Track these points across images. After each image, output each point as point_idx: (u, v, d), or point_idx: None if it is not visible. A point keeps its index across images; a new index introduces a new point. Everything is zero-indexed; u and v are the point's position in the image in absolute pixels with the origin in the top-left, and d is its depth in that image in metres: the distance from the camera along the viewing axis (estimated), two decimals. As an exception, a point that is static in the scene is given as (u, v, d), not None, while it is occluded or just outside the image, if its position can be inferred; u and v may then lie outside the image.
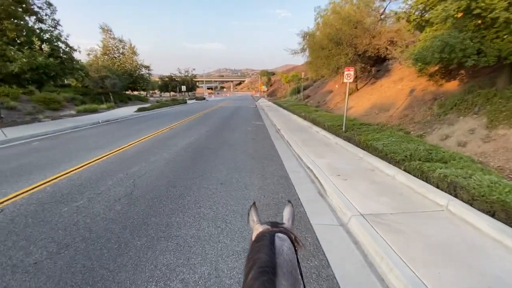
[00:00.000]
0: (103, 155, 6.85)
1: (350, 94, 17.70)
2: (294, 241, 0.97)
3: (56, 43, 12.98)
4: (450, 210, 3.51)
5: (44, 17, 13.30)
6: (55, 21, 13.61)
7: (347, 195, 4.09)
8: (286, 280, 0.78)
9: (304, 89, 32.03)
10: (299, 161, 6.55)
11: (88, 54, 35.20)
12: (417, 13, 6.98)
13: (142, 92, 54.33)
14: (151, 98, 48.55)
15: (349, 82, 7.81)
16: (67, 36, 13.89)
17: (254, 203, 1.15)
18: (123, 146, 7.91)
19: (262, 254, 0.84)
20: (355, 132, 7.63)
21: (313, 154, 6.72)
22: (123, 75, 33.18)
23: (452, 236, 2.96)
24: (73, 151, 7.44)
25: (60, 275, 2.47)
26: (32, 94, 21.28)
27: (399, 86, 12.66)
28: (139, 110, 22.28)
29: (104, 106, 23.86)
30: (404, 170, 4.73)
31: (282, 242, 0.91)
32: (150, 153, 7.08)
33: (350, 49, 13.88)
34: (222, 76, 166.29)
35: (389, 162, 5.24)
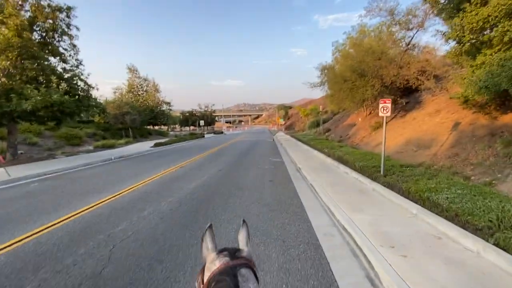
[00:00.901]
0: (95, 203, 5.84)
1: (377, 128, 16.28)
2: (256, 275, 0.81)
3: (75, 82, 13.05)
4: None
5: (68, 58, 13.66)
6: (78, 61, 13.95)
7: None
8: None
9: (323, 122, 30.94)
10: (330, 216, 5.10)
11: (114, 92, 37.18)
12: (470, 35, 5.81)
13: (163, 127, 56.09)
14: (171, 132, 49.62)
15: (386, 116, 6.54)
16: (88, 75, 14.08)
17: (210, 226, 0.97)
18: (122, 191, 6.92)
19: None
20: (398, 177, 6.15)
21: (348, 206, 5.27)
22: (145, 111, 34.21)
23: None
24: (66, 196, 6.54)
25: None
26: (56, 130, 21.94)
27: (437, 119, 11.14)
28: (156, 145, 22.04)
29: (122, 141, 23.99)
30: (496, 244, 3.18)
31: (247, 284, 0.75)
32: (147, 201, 5.97)
33: (376, 81, 12.84)
34: (241, 110, 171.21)
35: (464, 228, 3.69)
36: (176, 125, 73.06)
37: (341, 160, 10.01)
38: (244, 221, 1.02)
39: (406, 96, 15.74)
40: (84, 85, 13.67)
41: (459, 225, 3.81)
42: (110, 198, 6.25)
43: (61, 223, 4.72)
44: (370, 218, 4.59)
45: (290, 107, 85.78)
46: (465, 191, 4.50)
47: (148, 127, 39.75)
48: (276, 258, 3.48)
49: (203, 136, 36.70)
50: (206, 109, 62.99)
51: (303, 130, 40.29)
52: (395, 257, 3.30)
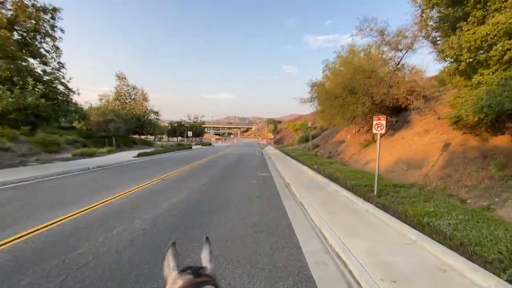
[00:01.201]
0: (58, 219, 5.12)
1: (367, 145, 16.23)
2: None
3: (54, 85, 12.31)
4: None
5: (50, 60, 12.98)
6: (60, 64, 13.29)
7: None
8: None
9: (312, 138, 30.98)
10: (322, 241, 4.63)
11: (101, 99, 36.09)
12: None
13: (149, 137, 54.65)
14: (158, 143, 48.29)
15: (380, 134, 6.29)
16: (70, 79, 13.39)
17: (173, 243, 0.95)
18: (93, 205, 6.20)
19: None
20: (393, 198, 5.82)
21: (341, 229, 4.83)
22: (131, 119, 33.21)
23: None
24: (26, 209, 5.76)
25: None
26: (33, 135, 20.65)
27: (426, 139, 11.12)
28: (139, 155, 21.06)
29: (103, 150, 22.87)
30: (509, 281, 2.80)
31: None
32: (119, 218, 5.31)
33: (366, 98, 12.84)
34: (230, 123, 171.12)
35: (470, 259, 3.31)
36: (164, 135, 71.63)
37: (331, 177, 9.66)
38: (207, 238, 1.00)
39: (395, 115, 15.89)
40: (64, 89, 12.96)
41: (465, 256, 3.43)
42: (77, 213, 5.53)
43: (10, 243, 4.01)
44: (366, 245, 4.15)
45: (280, 122, 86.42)
46: (466, 216, 4.18)
47: (133, 136, 38.53)
48: (262, 294, 2.96)
49: (191, 148, 35.82)
50: (195, 120, 62.31)
51: (292, 145, 40.25)
52: (399, 295, 2.85)
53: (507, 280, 2.77)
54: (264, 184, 9.83)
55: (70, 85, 13.38)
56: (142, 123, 37.37)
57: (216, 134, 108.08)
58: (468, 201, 5.73)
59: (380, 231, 4.78)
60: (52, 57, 13.15)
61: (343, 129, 24.08)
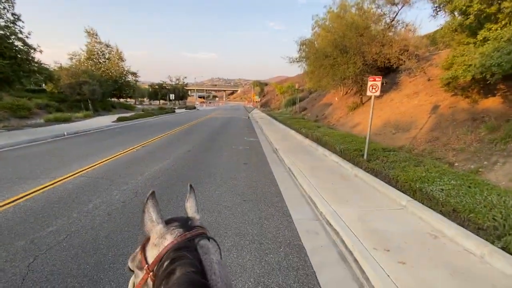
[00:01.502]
0: (26, 193, 4.66)
1: (354, 108, 16.03)
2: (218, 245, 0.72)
3: (11, 41, 10.72)
4: None
5: (2, 11, 11.09)
6: (15, 16, 11.43)
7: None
8: None
9: (300, 101, 30.45)
10: (313, 208, 4.52)
11: (71, 58, 32.86)
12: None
13: (129, 100, 51.83)
14: (139, 106, 46.06)
15: (374, 95, 5.93)
16: (29, 34, 11.66)
17: (153, 193, 0.76)
18: (67, 175, 5.72)
19: None
20: (383, 163, 5.71)
21: (331, 196, 4.72)
22: (107, 82, 30.90)
23: None
24: (-11, 183, 5.21)
25: None
26: (-1, 100, 18.77)
27: (415, 101, 10.97)
28: (119, 120, 19.97)
29: (80, 114, 21.46)
30: (504, 248, 2.77)
31: (211, 261, 0.63)
32: (95, 190, 4.92)
33: (358, 58, 12.21)
34: (215, 85, 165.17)
35: (463, 226, 3.27)
36: (145, 99, 68.25)
37: (319, 141, 9.50)
38: (191, 186, 0.90)
39: (384, 76, 15.49)
40: (23, 46, 11.36)
41: (456, 222, 3.38)
42: (49, 186, 5.07)
43: (-32, 223, 3.58)
44: (357, 212, 4.06)
45: (266, 84, 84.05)
46: (458, 181, 4.12)
47: (112, 99, 36.29)
48: (252, 269, 2.80)
49: (174, 111, 34.46)
50: (177, 82, 59.30)
51: (279, 108, 39.66)
52: (393, 264, 2.77)
53: (502, 248, 2.72)
54: (252, 149, 9.56)
55: (29, 41, 11.67)
56: (119, 85, 34.96)
57: (200, 97, 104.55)
58: (456, 164, 5.74)
59: (371, 197, 4.71)
60: (4, 7, 11.24)
61: (330, 92, 23.62)
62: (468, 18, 5.64)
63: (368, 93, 5.91)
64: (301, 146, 9.82)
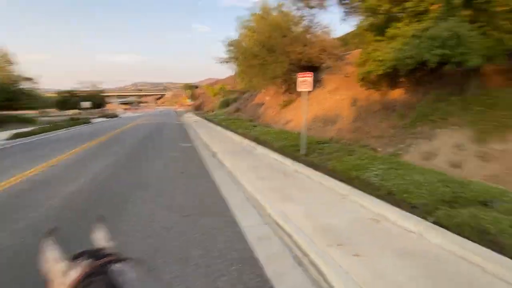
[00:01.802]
0: None
1: (285, 105, 16.77)
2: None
3: None
4: None
5: None
6: None
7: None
8: None
9: (233, 101, 30.50)
10: (260, 212, 4.25)
11: None
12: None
13: (31, 112, 42.54)
14: (44, 118, 38.18)
15: (307, 91, 6.10)
16: None
17: (54, 229, 0.71)
18: None
19: None
20: (320, 156, 5.91)
21: (276, 195, 4.57)
22: (-8, 90, 24.58)
23: None
24: None
25: None
26: None
27: (337, 96, 12.08)
28: (14, 136, 15.98)
29: (-51, 134, 16.30)
30: (437, 223, 3.02)
31: (129, 280, 0.56)
32: (-32, 236, 3.52)
33: (284, 57, 12.73)
34: (140, 90, 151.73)
35: (399, 207, 3.50)
36: (53, 109, 57.26)
37: (258, 140, 9.45)
38: (100, 216, 0.84)
39: (308, 75, 16.70)
40: None
41: (389, 202, 3.62)
42: None
43: None
44: (304, 208, 3.98)
45: (197, 87, 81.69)
46: (386, 165, 4.49)
47: (4, 112, 29.02)
48: (201, 302, 2.31)
49: (89, 122, 29.80)
50: (92, 88, 51.90)
51: (213, 111, 38.90)
52: (349, 259, 2.70)
53: (434, 222, 2.95)
54: (188, 155, 8.81)
55: None
56: (11, 94, 28.30)
57: (123, 103, 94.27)
58: (379, 149, 6.39)
59: (313, 191, 4.75)
60: None
61: (261, 91, 24.29)
62: (377, 18, 6.46)
63: (299, 89, 6.04)
64: (240, 147, 9.58)
